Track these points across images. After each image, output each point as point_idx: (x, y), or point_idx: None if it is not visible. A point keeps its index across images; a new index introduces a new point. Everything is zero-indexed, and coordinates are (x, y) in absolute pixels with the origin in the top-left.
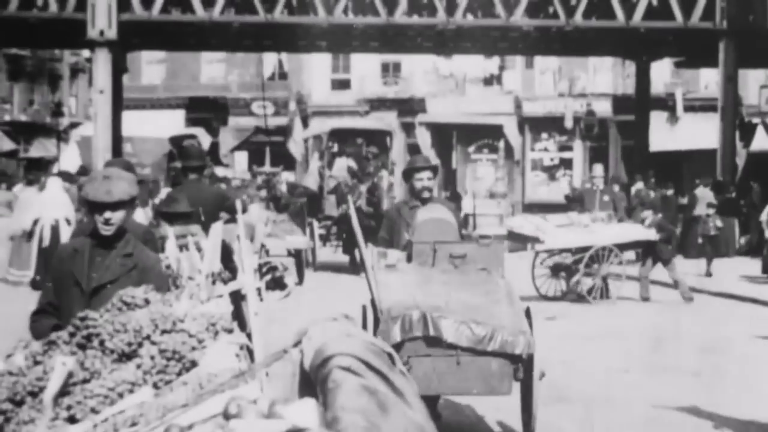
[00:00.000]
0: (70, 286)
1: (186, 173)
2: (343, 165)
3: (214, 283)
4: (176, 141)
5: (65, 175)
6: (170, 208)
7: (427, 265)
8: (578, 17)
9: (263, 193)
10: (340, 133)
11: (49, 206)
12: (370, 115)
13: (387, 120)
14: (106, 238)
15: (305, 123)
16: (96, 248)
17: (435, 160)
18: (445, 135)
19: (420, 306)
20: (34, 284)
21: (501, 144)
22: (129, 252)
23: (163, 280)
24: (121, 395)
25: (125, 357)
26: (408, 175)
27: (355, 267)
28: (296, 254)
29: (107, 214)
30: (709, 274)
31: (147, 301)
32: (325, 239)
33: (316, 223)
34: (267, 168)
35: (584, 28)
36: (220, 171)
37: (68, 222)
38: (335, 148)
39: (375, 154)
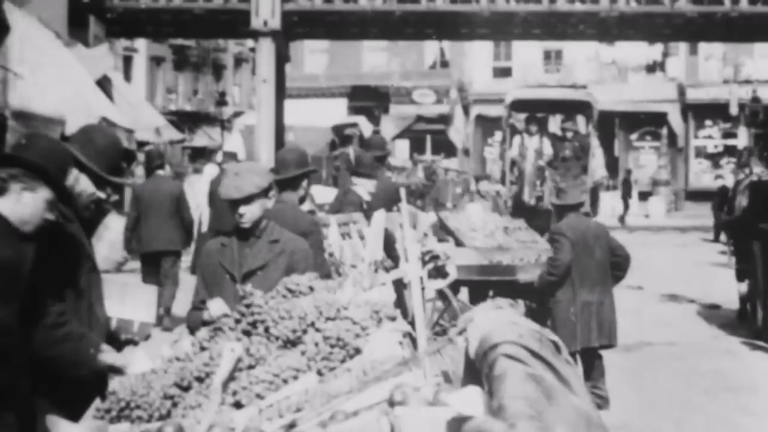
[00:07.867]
0: (221, 277)
1: None
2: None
3: (376, 271)
4: (338, 129)
5: (231, 156)
6: None
7: None
8: (744, 3)
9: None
10: (525, 105)
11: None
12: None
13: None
14: (246, 230)
15: (466, 111)
16: (242, 239)
17: (598, 148)
18: (607, 122)
19: None
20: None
21: (664, 131)
22: (276, 238)
23: (309, 263)
24: (285, 381)
25: (290, 343)
26: None
27: None
28: None
29: (240, 209)
30: None
31: (311, 289)
32: None
33: None
34: (429, 156)
35: (750, 13)
36: None
37: None
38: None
39: (574, 133)
